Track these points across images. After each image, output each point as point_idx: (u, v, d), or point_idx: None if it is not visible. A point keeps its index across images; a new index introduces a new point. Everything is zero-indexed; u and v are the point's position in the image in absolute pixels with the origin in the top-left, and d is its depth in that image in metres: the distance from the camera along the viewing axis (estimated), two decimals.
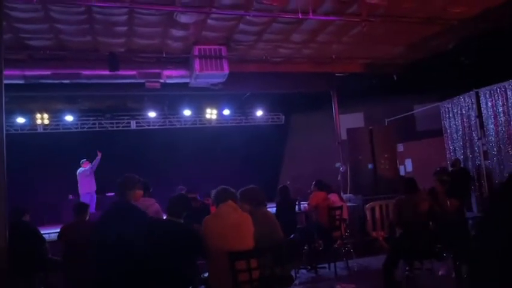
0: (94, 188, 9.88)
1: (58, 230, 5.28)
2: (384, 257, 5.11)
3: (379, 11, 6.64)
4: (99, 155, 9.86)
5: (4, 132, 4.13)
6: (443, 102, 10.24)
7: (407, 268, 5.47)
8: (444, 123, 10.25)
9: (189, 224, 3.85)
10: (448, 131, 10.11)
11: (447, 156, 10.06)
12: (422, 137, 11.34)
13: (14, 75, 7.03)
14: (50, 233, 5.98)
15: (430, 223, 5.19)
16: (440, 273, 5.81)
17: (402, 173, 10.32)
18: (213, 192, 4.03)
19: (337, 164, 10.14)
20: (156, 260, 3.45)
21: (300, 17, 6.53)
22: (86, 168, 9.82)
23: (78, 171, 9.83)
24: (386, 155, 9.56)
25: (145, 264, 3.41)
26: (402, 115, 11.39)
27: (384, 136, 9.78)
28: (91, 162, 9.87)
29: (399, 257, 5.03)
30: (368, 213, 8.62)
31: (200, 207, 6.13)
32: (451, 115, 10.04)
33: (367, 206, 8.69)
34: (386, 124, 11.40)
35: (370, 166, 9.41)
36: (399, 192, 6.06)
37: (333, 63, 9.18)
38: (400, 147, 10.59)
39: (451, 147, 10.02)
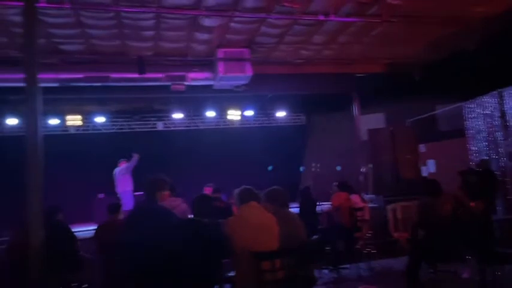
0: (131, 187, 9.85)
1: (89, 228, 5.34)
2: (406, 258, 4.97)
3: (400, 11, 6.48)
4: (136, 156, 9.91)
5: (40, 133, 4.18)
6: (466, 103, 9.92)
7: (430, 270, 5.30)
8: (467, 124, 9.93)
9: (214, 223, 3.80)
10: (471, 131, 9.79)
11: (470, 157, 9.74)
12: (444, 137, 11.02)
13: (48, 79, 7.15)
14: (81, 231, 6.05)
15: (455, 225, 5.01)
16: (464, 276, 5.61)
17: (424, 174, 10.05)
18: (236, 192, 3.97)
19: (363, 169, 9.96)
20: (182, 260, 3.42)
21: (321, 18, 6.45)
22: (122, 167, 9.88)
23: (115, 170, 9.91)
24: (408, 156, 9.33)
25: (172, 263, 3.39)
26: (424, 115, 11.10)
27: (405, 137, 9.56)
28: (128, 161, 9.93)
29: (422, 259, 4.87)
30: (390, 214, 8.43)
31: (223, 208, 6.10)
32: (474, 115, 9.71)
33: (389, 207, 8.50)
34: (407, 125, 11.13)
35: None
36: (422, 194, 5.89)
37: (353, 64, 9.05)
38: (422, 148, 10.31)
39: (474, 148, 9.70)
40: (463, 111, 10.01)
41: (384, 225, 8.57)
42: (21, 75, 4.32)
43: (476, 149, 9.61)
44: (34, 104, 4.11)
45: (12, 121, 10.32)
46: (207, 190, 7.90)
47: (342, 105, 11.39)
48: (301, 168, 9.92)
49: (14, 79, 7.06)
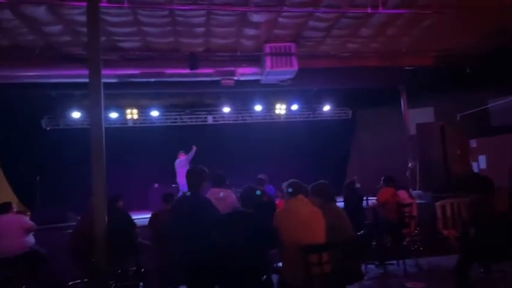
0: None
1: (145, 216, 5.53)
2: (455, 256, 4.72)
3: (451, 1, 6.12)
4: (194, 148, 10.16)
5: (103, 126, 4.37)
6: None
7: (481, 270, 5.02)
8: None
9: (260, 214, 3.79)
10: None
11: None
12: (497, 132, 10.35)
13: (108, 75, 7.44)
14: (139, 218, 6.25)
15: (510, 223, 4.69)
16: None
17: (475, 170, 9.51)
18: (284, 185, 3.94)
19: (411, 164, 9.59)
20: (230, 250, 3.45)
21: (369, 11, 6.23)
22: (181, 159, 10.15)
23: (176, 162, 10.18)
24: (458, 151, 8.88)
25: (220, 254, 3.44)
26: (476, 109, 10.48)
27: (456, 131, 9.11)
28: (186, 153, 10.20)
29: (474, 258, 4.61)
30: (439, 211, 8.07)
31: (266, 202, 6.06)
32: None
33: (438, 203, 8.13)
34: (458, 119, 10.57)
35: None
36: (472, 190, 5.57)
37: (402, 57, 8.71)
38: (473, 143, 9.75)
39: None
40: None
41: (432, 222, 8.21)
42: (85, 71, 4.54)
43: None
44: (97, 98, 4.30)
45: (76, 114, 10.87)
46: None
47: (389, 99, 11.00)
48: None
49: (78, 75, 7.44)
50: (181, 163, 10.04)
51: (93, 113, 4.35)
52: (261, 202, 4.00)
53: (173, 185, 10.47)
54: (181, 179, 9.95)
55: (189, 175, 3.78)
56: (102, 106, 4.35)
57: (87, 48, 5.07)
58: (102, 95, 4.36)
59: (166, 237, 3.90)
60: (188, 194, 3.80)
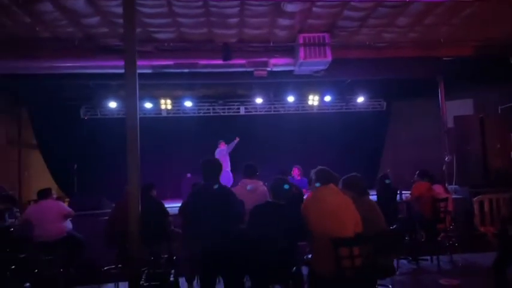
0: (229, 167, 10.12)
1: (179, 205, 5.63)
2: (492, 254, 4.54)
3: None
4: (237, 139, 10.23)
5: (138, 116, 4.46)
6: None
7: None
8: None
9: (290, 205, 3.77)
10: None
11: None
12: None
13: (143, 66, 7.57)
14: (172, 207, 6.36)
15: None
16: None
17: None
18: (313, 172, 3.86)
19: (447, 158, 9.26)
20: (260, 241, 3.46)
21: (408, 0, 6.01)
22: (221, 149, 10.22)
23: (216, 151, 10.24)
24: (498, 145, 8.50)
25: (250, 245, 3.45)
26: None
27: (496, 124, 8.72)
28: (227, 143, 10.28)
29: None
30: (476, 207, 7.78)
31: (296, 193, 6.01)
32: None
33: (475, 198, 7.84)
34: (499, 112, 10.10)
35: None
36: None
37: (440, 47, 8.34)
38: None
39: None
40: None
41: (468, 217, 7.93)
42: (121, 62, 4.64)
43: None
44: (133, 88, 4.39)
45: (112, 104, 11.18)
46: (295, 171, 7.96)
47: (425, 90, 10.63)
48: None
49: (114, 66, 7.63)
50: (222, 152, 10.08)
51: (129, 103, 4.44)
52: (291, 194, 3.97)
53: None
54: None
55: (206, 166, 3.80)
56: (137, 96, 4.44)
57: (123, 39, 5.17)
58: (137, 85, 4.44)
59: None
60: (208, 184, 3.81)
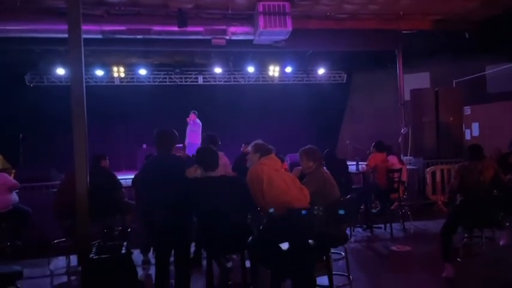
0: (199, 140, 9.83)
1: (133, 176, 5.54)
2: (442, 221, 4.83)
3: None
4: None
5: (84, 83, 4.28)
6: None
7: (465, 235, 5.16)
8: None
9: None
10: None
11: None
12: (493, 100, 10.36)
13: (92, 30, 7.17)
14: (126, 178, 6.26)
15: (494, 191, 4.78)
16: (501, 243, 5.43)
17: (468, 137, 9.59)
18: (252, 144, 3.92)
19: (403, 130, 9.60)
20: (211, 213, 3.49)
21: None
22: (196, 121, 9.87)
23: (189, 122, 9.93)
24: (451, 118, 8.91)
25: (203, 216, 3.48)
26: (472, 76, 10.42)
27: (450, 98, 9.07)
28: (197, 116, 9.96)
29: (458, 223, 4.72)
30: (428, 177, 8.19)
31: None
32: None
33: (428, 169, 8.25)
34: (454, 85, 10.53)
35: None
36: (463, 157, 5.62)
37: (400, 20, 8.52)
38: (467, 110, 9.76)
39: None
40: None
41: (421, 187, 8.36)
42: (65, 26, 4.38)
43: None
44: (78, 54, 4.17)
45: (60, 71, 10.64)
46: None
47: (385, 63, 10.90)
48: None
49: (59, 30, 7.17)
50: (197, 126, 9.77)
51: (74, 70, 4.23)
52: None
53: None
54: (191, 140, 9.68)
55: (159, 136, 3.72)
56: (83, 62, 4.23)
57: (67, 1, 4.87)
58: (82, 51, 4.23)
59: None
60: (161, 155, 3.76)
